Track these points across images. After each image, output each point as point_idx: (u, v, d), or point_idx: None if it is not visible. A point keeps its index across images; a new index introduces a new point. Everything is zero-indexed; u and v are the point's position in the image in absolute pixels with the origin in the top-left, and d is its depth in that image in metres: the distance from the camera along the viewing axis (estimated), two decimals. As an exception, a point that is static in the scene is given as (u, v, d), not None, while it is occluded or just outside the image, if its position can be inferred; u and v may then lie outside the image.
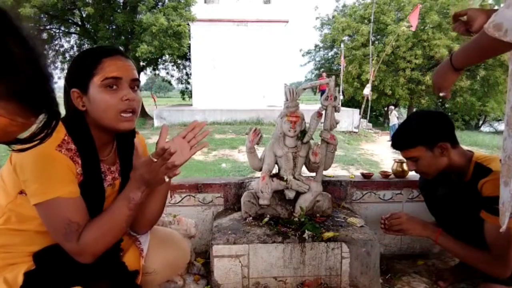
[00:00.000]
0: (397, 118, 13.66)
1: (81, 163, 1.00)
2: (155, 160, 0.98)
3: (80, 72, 1.00)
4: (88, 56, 1.02)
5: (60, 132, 0.98)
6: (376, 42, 19.97)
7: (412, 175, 2.07)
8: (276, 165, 1.85)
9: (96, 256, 0.98)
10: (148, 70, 20.28)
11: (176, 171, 1.02)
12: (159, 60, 18.42)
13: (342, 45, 17.58)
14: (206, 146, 1.07)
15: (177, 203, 1.99)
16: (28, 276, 0.97)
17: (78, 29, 16.87)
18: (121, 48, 14.97)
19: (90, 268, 1.01)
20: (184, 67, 20.94)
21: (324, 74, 16.31)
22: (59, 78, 19.17)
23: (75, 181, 0.98)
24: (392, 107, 15.61)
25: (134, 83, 1.04)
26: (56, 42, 17.96)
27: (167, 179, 1.02)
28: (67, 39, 18.23)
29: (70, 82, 1.01)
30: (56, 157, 0.94)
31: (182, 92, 22.27)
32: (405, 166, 2.10)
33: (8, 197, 0.98)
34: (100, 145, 1.07)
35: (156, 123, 13.27)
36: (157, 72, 20.82)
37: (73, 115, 1.03)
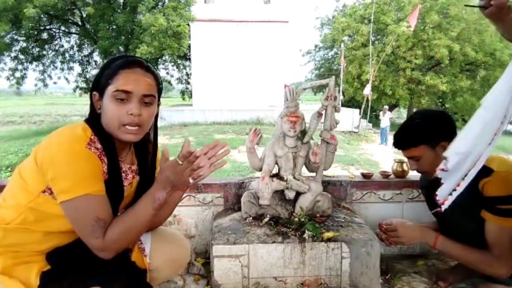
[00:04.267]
0: (390, 119, 12.95)
1: (107, 162, 1.04)
2: (181, 162, 1.03)
3: (101, 78, 1.06)
4: (111, 64, 1.07)
5: (87, 131, 1.03)
6: (376, 42, 19.97)
7: (412, 175, 2.07)
8: (276, 165, 1.85)
9: (117, 252, 1.02)
10: (148, 70, 20.24)
11: (202, 173, 1.06)
12: (159, 60, 18.40)
13: (342, 45, 17.57)
14: (225, 164, 1.13)
15: (177, 203, 1.98)
16: (44, 276, 0.99)
17: (78, 29, 16.87)
18: (121, 48, 14.99)
19: (104, 268, 1.04)
20: (184, 67, 20.93)
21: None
22: (58, 78, 19.18)
23: (102, 179, 1.02)
24: (387, 107, 15.21)
25: (147, 99, 1.07)
26: (56, 42, 17.96)
27: (191, 181, 1.08)
28: (67, 39, 18.23)
29: (93, 85, 1.09)
30: (87, 155, 0.98)
31: (182, 92, 22.26)
32: (405, 166, 2.10)
33: (30, 196, 1.00)
34: (120, 146, 1.11)
35: (156, 123, 13.25)
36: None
37: (93, 116, 1.08)
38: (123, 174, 1.13)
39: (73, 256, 1.03)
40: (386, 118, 13.11)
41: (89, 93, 1.12)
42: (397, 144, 1.60)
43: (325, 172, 1.92)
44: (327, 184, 2.05)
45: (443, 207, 1.24)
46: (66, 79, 18.96)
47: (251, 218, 1.80)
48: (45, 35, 16.83)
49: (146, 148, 1.22)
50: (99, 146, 1.03)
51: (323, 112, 1.81)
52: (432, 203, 1.73)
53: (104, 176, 1.03)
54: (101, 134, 1.05)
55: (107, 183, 1.04)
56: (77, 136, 1.00)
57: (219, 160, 1.08)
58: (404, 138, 1.57)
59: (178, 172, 1.04)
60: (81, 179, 0.96)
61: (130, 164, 1.17)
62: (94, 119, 1.08)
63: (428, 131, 1.50)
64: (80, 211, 0.97)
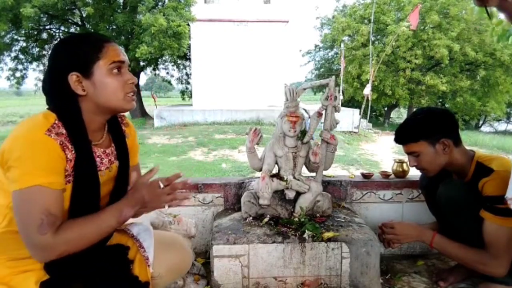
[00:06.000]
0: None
1: (74, 147, 0.98)
2: (162, 186, 1.02)
3: (82, 56, 1.00)
4: (87, 41, 1.03)
5: (50, 117, 0.97)
6: (376, 42, 19.95)
7: (412, 175, 2.07)
8: (276, 165, 1.85)
9: (59, 256, 0.94)
10: (148, 70, 20.26)
11: (180, 202, 1.07)
12: (159, 60, 18.40)
13: (342, 45, 17.55)
14: (188, 198, 1.13)
15: (177, 203, 1.98)
16: (44, 287, 0.96)
17: (78, 29, 16.84)
18: (121, 48, 15.01)
19: (104, 282, 1.01)
20: (184, 67, 20.91)
21: None
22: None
23: (61, 172, 0.95)
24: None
25: (128, 67, 1.10)
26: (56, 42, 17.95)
27: (166, 207, 1.06)
28: (67, 39, 18.20)
29: (66, 67, 1.00)
30: (44, 141, 0.92)
31: (182, 92, 22.24)
32: (405, 166, 2.10)
33: (8, 195, 0.95)
34: (93, 130, 1.07)
35: (156, 123, 13.26)
36: (157, 72, 20.80)
37: (65, 99, 1.02)
38: (98, 159, 1.07)
39: (72, 268, 0.98)
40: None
41: (51, 79, 1.02)
42: (398, 139, 1.60)
43: (325, 172, 1.92)
44: (327, 184, 2.05)
45: None
46: (66, 79, 18.90)
47: (251, 218, 1.80)
48: (45, 35, 16.80)
49: (121, 129, 1.19)
50: (63, 131, 0.97)
51: (323, 112, 1.81)
52: (432, 203, 1.73)
53: (69, 164, 0.97)
54: (69, 117, 1.00)
55: (76, 168, 0.98)
56: (37, 123, 0.94)
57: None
58: (404, 133, 1.58)
59: (155, 195, 1.03)
60: (33, 168, 0.89)
61: (106, 148, 1.12)
62: (63, 102, 1.01)
63: (428, 127, 1.50)
64: (29, 202, 0.89)
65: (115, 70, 1.03)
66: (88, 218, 0.99)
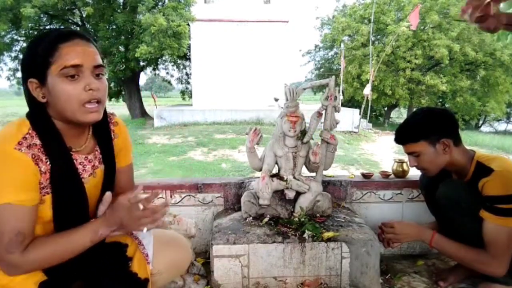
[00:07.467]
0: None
1: (49, 158, 0.93)
2: (142, 207, 0.96)
3: (36, 61, 0.91)
4: (42, 42, 0.92)
5: (23, 126, 0.92)
6: (376, 42, 19.96)
7: (412, 175, 2.07)
8: (276, 165, 1.85)
9: (28, 273, 0.94)
10: (148, 70, 20.26)
11: (157, 224, 1.00)
12: (159, 60, 18.40)
13: (342, 45, 17.57)
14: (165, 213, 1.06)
15: (177, 203, 1.98)
16: (43, 287, 0.96)
17: (78, 29, 16.86)
18: (121, 48, 14.98)
19: (103, 280, 1.01)
20: (184, 67, 20.92)
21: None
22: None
23: (34, 187, 0.92)
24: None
25: (98, 70, 0.95)
26: (56, 42, 17.90)
27: (145, 231, 0.99)
28: (67, 39, 18.18)
29: (26, 72, 0.93)
30: (14, 157, 0.87)
31: (182, 92, 22.26)
32: (405, 166, 2.10)
33: None
34: (72, 136, 1.01)
35: (156, 123, 13.27)
36: (157, 72, 20.81)
37: (34, 107, 0.96)
38: (80, 166, 1.01)
39: (70, 267, 0.98)
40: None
41: (22, 85, 0.96)
42: (398, 139, 1.60)
43: (325, 172, 1.92)
44: (327, 184, 2.05)
45: None
46: (66, 79, 18.91)
47: (251, 218, 1.80)
48: (45, 35, 16.81)
49: (107, 130, 1.11)
50: (37, 142, 0.91)
51: (323, 112, 1.81)
52: (432, 203, 1.73)
53: (44, 176, 0.93)
54: (43, 127, 0.94)
55: (54, 180, 0.94)
56: (8, 135, 0.90)
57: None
58: (404, 133, 1.58)
59: (134, 218, 0.96)
60: (3, 185, 0.86)
61: (88, 153, 1.05)
62: (35, 111, 0.95)
63: (428, 127, 1.50)
64: None
65: (72, 76, 0.91)
66: (61, 236, 0.96)
